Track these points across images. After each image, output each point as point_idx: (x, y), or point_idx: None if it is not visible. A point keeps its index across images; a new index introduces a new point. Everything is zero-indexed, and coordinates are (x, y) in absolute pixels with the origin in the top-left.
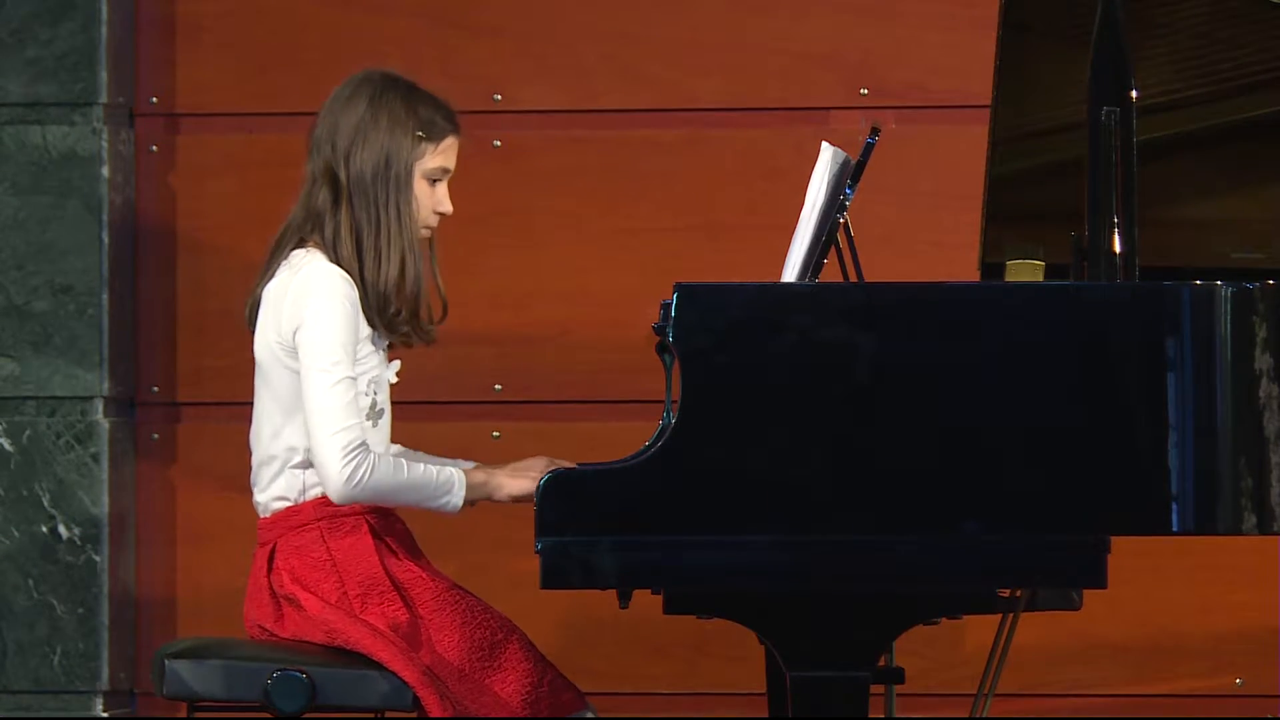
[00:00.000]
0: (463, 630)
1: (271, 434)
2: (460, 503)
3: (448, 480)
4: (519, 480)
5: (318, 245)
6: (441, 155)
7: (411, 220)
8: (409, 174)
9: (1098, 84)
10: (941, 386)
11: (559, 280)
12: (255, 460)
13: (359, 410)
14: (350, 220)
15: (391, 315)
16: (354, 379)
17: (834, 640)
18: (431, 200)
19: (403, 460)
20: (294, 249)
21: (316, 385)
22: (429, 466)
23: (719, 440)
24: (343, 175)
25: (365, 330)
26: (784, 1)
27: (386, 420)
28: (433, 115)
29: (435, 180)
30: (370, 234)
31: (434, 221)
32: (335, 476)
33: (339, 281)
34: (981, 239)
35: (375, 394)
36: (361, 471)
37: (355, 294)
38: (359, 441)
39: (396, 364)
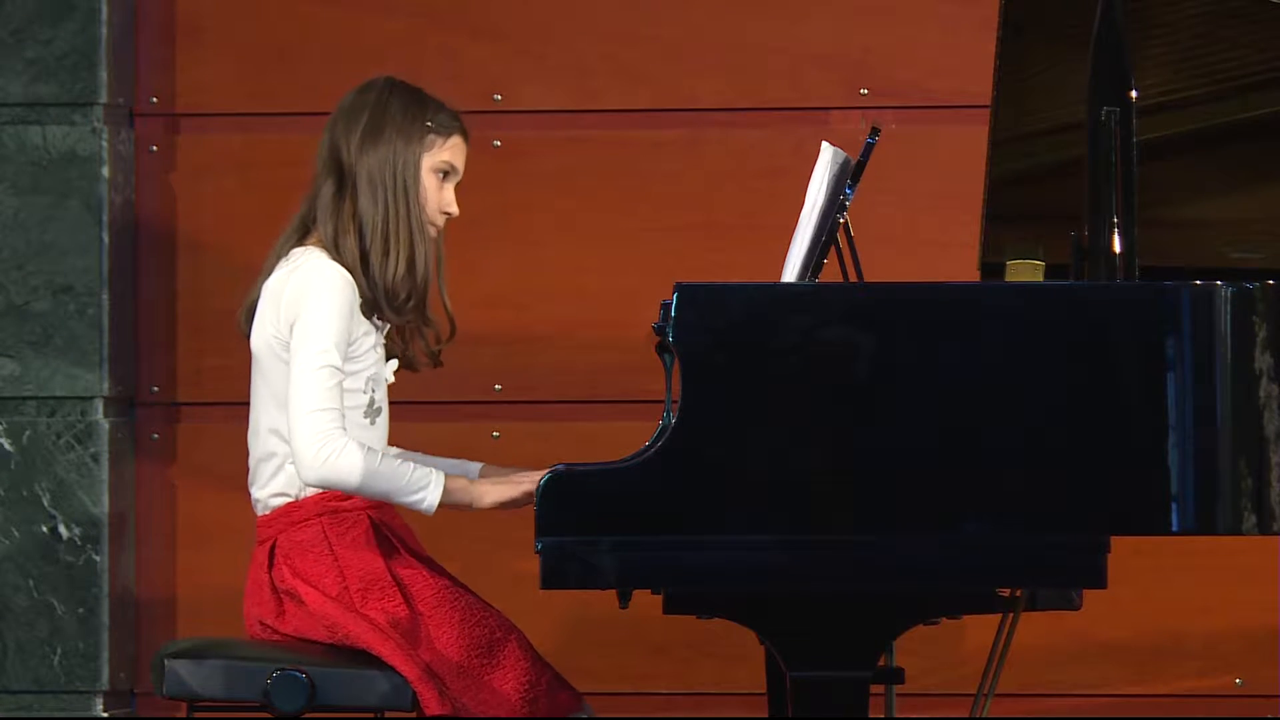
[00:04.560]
0: (461, 628)
1: (269, 429)
2: (435, 502)
3: (423, 477)
4: (501, 488)
5: (318, 242)
6: (449, 151)
7: (421, 209)
8: (417, 164)
9: (1098, 84)
10: (941, 386)
11: (559, 280)
12: (253, 458)
13: (340, 400)
14: (354, 210)
15: (401, 301)
16: (341, 371)
17: (834, 640)
18: (439, 198)
19: (379, 451)
20: (294, 247)
21: (301, 367)
22: (406, 462)
23: (719, 440)
24: (349, 165)
25: (364, 326)
26: (784, 1)
27: (384, 419)
28: (439, 112)
29: (444, 175)
30: (378, 222)
31: (440, 221)
32: (304, 452)
33: (338, 279)
34: (981, 239)
35: (374, 391)
36: (330, 449)
37: (354, 294)
38: (335, 425)
39: (394, 363)
